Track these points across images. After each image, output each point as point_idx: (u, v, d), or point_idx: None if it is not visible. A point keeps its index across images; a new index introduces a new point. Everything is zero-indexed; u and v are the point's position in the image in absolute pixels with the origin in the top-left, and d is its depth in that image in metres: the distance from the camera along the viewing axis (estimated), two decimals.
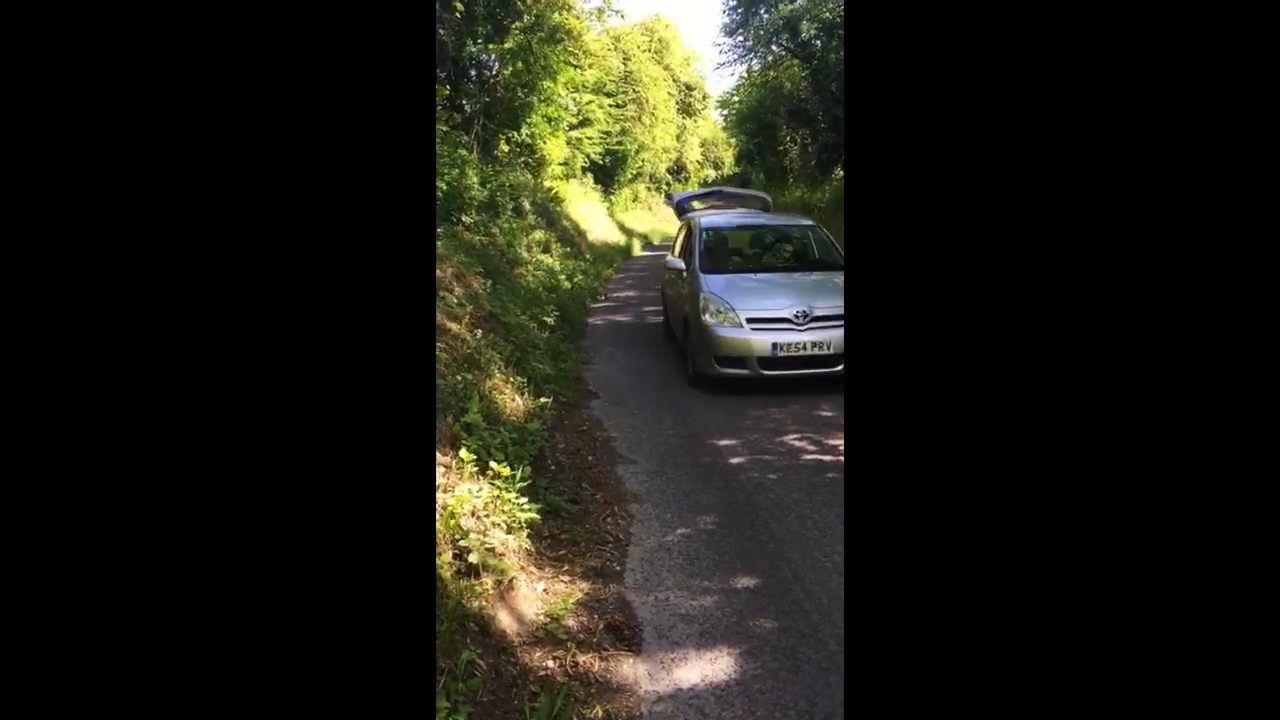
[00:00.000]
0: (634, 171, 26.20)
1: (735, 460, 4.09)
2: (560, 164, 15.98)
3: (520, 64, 12.37)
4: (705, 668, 2.27)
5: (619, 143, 23.02)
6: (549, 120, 14.06)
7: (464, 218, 8.37)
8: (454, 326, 4.77)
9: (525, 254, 9.70)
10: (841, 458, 4.08)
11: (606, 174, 23.01)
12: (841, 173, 14.79)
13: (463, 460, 3.00)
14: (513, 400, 4.43)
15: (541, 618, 2.52)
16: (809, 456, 4.12)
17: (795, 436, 4.44)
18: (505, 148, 13.11)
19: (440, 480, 2.79)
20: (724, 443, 4.37)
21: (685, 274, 6.13)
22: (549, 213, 13.41)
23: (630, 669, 2.28)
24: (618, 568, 2.92)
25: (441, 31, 10.16)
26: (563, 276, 10.07)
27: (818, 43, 17.10)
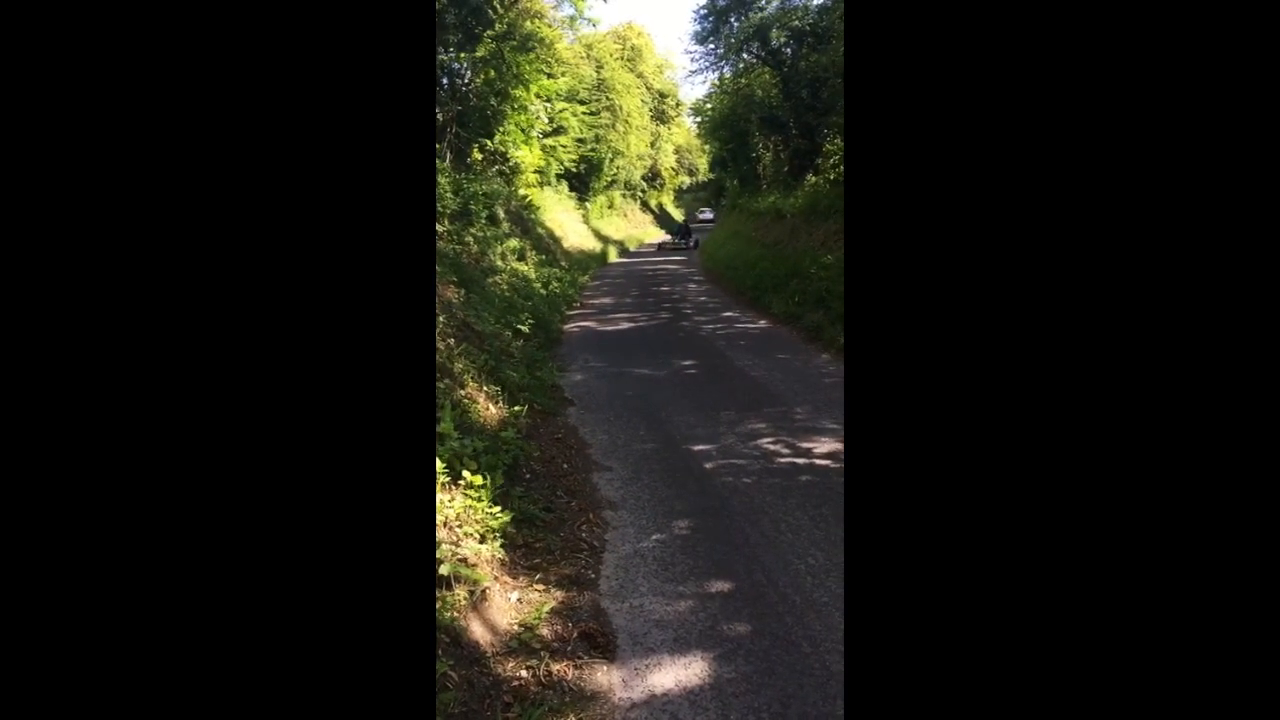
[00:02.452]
0: (609, 178, 26.24)
1: (710, 465, 4.10)
2: (535, 171, 15.96)
3: (492, 72, 12.35)
4: (679, 673, 2.27)
5: (593, 150, 23.06)
6: (522, 128, 14.04)
7: (436, 226, 8.32)
8: None
9: (499, 262, 9.66)
10: (815, 461, 4.11)
11: (581, 181, 23.03)
12: (813, 179, 14.92)
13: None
14: (487, 409, 4.40)
15: (515, 627, 2.50)
16: (783, 460, 4.15)
17: (769, 440, 4.47)
18: (478, 156, 13.06)
19: None
20: (699, 448, 4.39)
21: None
22: (524, 220, 13.38)
23: (604, 677, 2.28)
24: (592, 575, 2.91)
25: None
26: (538, 284, 10.05)
27: (788, 51, 17.28)
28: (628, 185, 31.13)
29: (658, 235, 37.27)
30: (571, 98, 19.96)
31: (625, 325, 9.24)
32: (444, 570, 2.46)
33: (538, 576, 2.86)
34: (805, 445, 4.36)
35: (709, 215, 37.36)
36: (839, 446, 4.31)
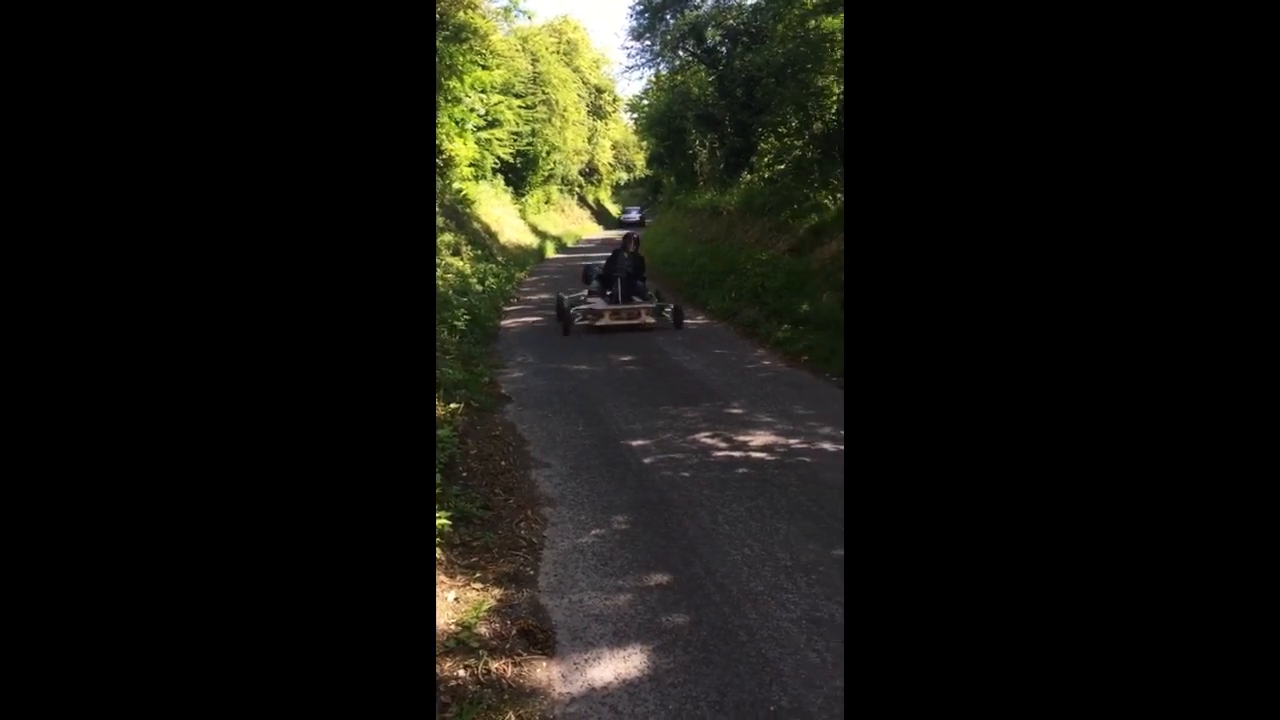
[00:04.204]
0: (546, 173, 26.04)
1: (648, 460, 4.13)
2: (469, 165, 15.70)
3: None
4: (618, 666, 2.29)
5: (529, 144, 22.83)
6: (456, 120, 13.79)
7: None
8: None
9: None
10: (751, 454, 4.19)
11: (518, 175, 22.77)
12: (749, 176, 15.15)
13: None
14: None
15: (453, 627, 2.47)
16: (720, 453, 4.21)
17: (706, 434, 4.53)
18: None
19: None
20: (637, 443, 4.41)
21: None
22: (458, 215, 13.16)
23: (544, 672, 2.27)
24: (531, 572, 2.90)
25: None
26: (473, 280, 9.91)
27: (723, 49, 17.48)
28: (565, 180, 30.94)
29: (596, 231, 35.96)
30: (507, 90, 19.70)
31: None
32: None
33: (476, 575, 2.83)
34: (742, 439, 4.44)
35: (635, 215, 33.42)
36: (774, 439, 4.41)
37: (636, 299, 8.22)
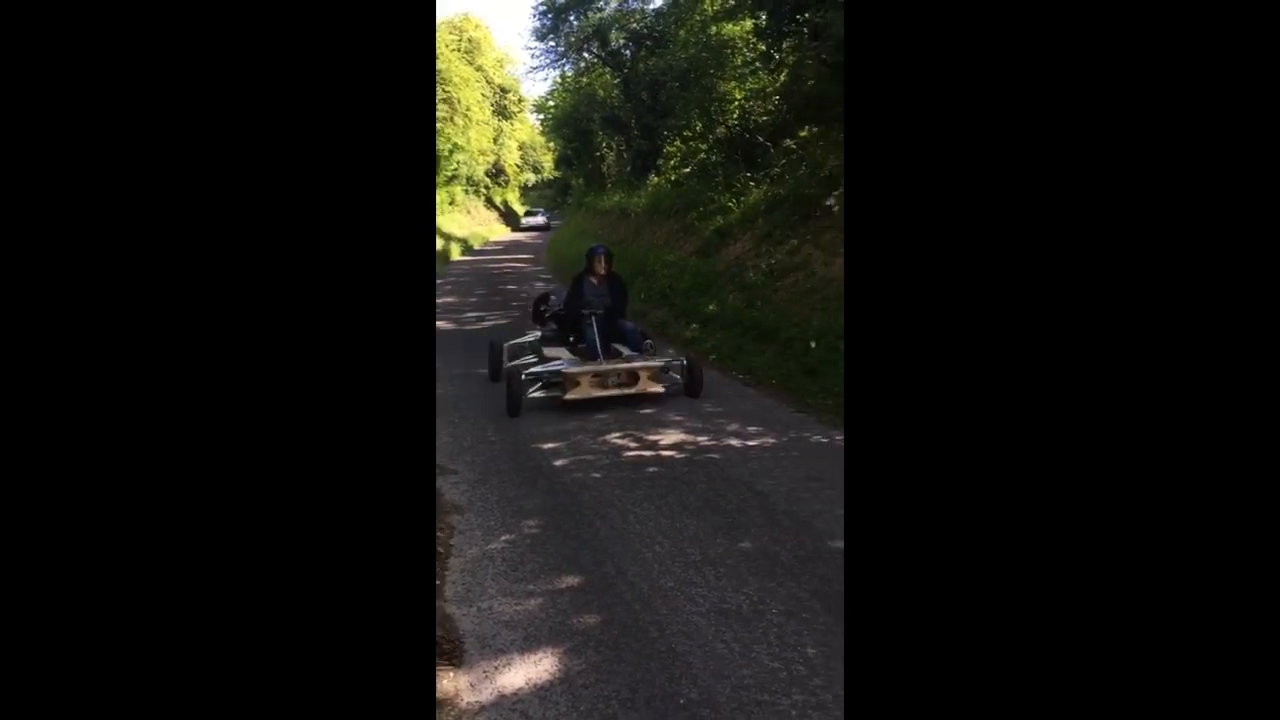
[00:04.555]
0: (450, 173, 25.45)
1: (559, 462, 4.11)
2: None
3: None
4: (529, 671, 2.26)
5: None
6: None
7: None
8: None
9: None
10: (661, 453, 4.23)
11: None
12: (655, 179, 15.32)
13: None
14: None
15: None
16: (630, 454, 4.24)
17: (617, 435, 4.55)
18: None
19: None
20: (548, 446, 4.38)
21: None
22: None
23: (451, 683, 2.22)
24: (437, 582, 2.82)
25: None
26: None
27: (627, 52, 17.60)
28: (470, 181, 30.34)
29: (504, 233, 35.40)
30: None
31: (471, 325, 9.02)
32: None
33: None
34: (652, 438, 4.48)
35: (540, 219, 32.97)
36: (684, 438, 4.47)
37: (624, 349, 5.25)
